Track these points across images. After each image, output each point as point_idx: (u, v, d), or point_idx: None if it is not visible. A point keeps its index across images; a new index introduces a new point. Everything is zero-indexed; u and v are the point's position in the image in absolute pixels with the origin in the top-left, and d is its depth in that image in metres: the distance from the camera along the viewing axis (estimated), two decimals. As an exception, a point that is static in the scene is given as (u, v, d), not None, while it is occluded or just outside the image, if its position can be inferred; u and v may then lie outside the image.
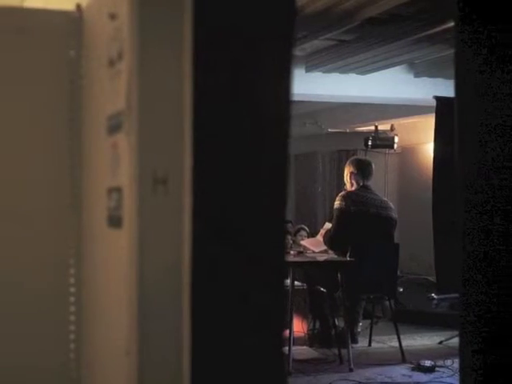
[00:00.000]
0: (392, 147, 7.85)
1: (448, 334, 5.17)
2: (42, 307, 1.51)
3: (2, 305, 1.48)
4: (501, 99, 1.49)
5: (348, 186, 5.15)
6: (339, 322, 4.93)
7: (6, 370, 1.47)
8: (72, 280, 1.52)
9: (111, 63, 1.31)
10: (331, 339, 4.92)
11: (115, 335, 1.30)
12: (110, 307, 1.35)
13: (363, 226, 4.89)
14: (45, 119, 1.52)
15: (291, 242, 5.87)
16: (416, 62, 5.99)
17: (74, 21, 1.52)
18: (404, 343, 4.85)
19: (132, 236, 1.21)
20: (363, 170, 5.11)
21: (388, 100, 6.66)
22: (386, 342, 5.27)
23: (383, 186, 7.94)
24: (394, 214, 5.16)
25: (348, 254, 4.70)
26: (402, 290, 5.95)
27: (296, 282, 4.93)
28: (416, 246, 6.70)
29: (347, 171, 5.15)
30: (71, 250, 1.52)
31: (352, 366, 4.42)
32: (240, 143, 1.26)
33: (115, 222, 1.29)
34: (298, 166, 9.01)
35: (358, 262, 4.62)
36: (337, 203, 5.00)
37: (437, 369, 4.46)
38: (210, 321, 1.23)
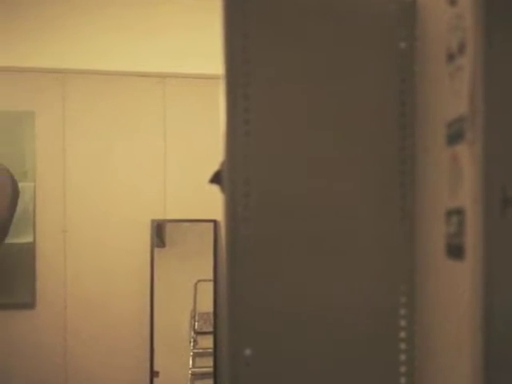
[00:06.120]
0: None
1: None
2: (370, 353, 1.60)
3: (330, 344, 1.60)
4: None
5: None
6: None
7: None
8: (403, 323, 1.59)
9: (450, 58, 1.35)
10: None
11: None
12: (447, 353, 1.39)
13: None
14: (370, 126, 1.60)
15: None
16: None
17: (406, 7, 1.59)
18: None
19: (476, 270, 1.24)
20: None
21: None
22: None
23: None
24: None
25: None
26: None
27: None
28: None
29: None
30: (403, 285, 1.59)
31: None
32: None
33: (455, 251, 1.33)
34: None
35: None
36: None
37: None
38: None
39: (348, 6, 1.60)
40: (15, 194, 4.53)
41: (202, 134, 4.73)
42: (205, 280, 4.67)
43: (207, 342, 4.66)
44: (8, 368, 4.57)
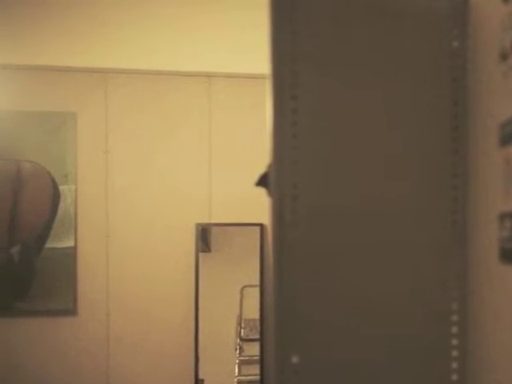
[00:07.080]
0: None
1: None
2: (421, 361, 1.61)
3: (380, 351, 1.61)
4: None
5: None
6: None
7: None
8: (455, 329, 1.60)
9: (503, 56, 1.36)
10: None
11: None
12: (501, 362, 1.40)
13: None
14: (421, 127, 1.61)
15: None
16: None
17: (458, 4, 1.60)
18: None
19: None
20: None
21: None
22: None
23: None
24: None
25: None
26: None
27: None
28: None
29: None
30: (454, 291, 1.60)
31: None
32: None
33: (509, 256, 1.33)
34: None
35: None
36: None
37: None
38: None
39: (399, 3, 1.60)
40: (56, 195, 4.61)
41: (249, 135, 4.74)
42: (251, 285, 4.65)
43: (253, 350, 4.63)
44: (50, 376, 4.63)
